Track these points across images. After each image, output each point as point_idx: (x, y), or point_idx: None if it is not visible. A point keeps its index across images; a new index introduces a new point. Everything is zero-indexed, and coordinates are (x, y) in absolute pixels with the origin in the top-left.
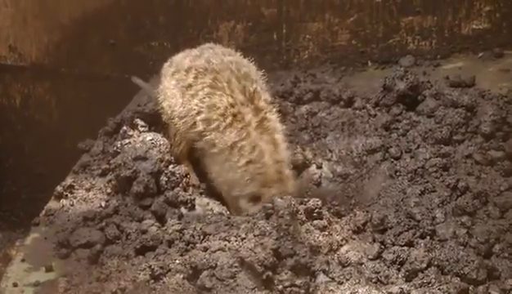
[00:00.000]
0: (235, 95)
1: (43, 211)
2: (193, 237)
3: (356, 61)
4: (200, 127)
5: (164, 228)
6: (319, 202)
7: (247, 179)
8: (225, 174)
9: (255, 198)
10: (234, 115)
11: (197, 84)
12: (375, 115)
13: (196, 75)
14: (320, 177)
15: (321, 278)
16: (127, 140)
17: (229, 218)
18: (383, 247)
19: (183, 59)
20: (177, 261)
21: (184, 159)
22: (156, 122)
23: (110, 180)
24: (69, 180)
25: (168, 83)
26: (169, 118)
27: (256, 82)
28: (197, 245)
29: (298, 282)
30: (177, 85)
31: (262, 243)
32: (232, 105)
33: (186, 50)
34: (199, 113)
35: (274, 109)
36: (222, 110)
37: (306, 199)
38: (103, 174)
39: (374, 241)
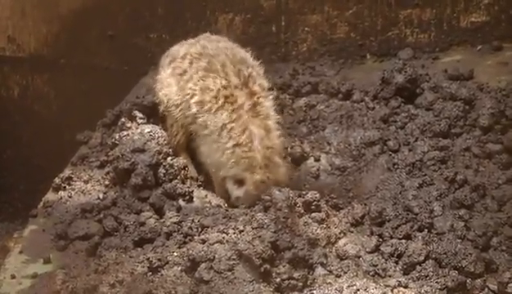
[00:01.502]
0: (229, 78)
1: (41, 203)
2: (191, 229)
3: (354, 54)
4: (194, 110)
5: (162, 220)
6: (317, 195)
7: (232, 161)
8: (213, 155)
9: (239, 181)
10: (226, 97)
11: (192, 69)
12: (374, 108)
13: (191, 60)
14: (318, 170)
15: (319, 270)
16: (125, 132)
17: (227, 210)
18: (380, 240)
19: (179, 47)
20: (175, 254)
21: (182, 151)
22: (155, 114)
23: (108, 172)
24: (67, 172)
25: (164, 73)
26: (166, 108)
27: (252, 67)
28: (195, 237)
29: (295, 274)
30: (173, 73)
31: (260, 236)
32: (225, 87)
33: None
34: (193, 96)
35: (270, 96)
36: (214, 92)
37: (304, 192)
38: (101, 166)
39: (371, 234)
